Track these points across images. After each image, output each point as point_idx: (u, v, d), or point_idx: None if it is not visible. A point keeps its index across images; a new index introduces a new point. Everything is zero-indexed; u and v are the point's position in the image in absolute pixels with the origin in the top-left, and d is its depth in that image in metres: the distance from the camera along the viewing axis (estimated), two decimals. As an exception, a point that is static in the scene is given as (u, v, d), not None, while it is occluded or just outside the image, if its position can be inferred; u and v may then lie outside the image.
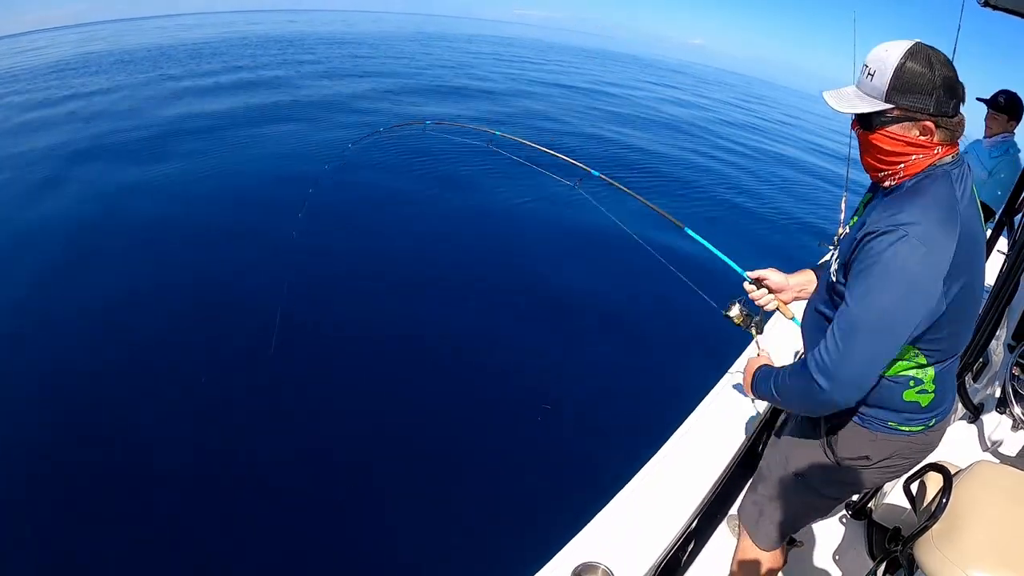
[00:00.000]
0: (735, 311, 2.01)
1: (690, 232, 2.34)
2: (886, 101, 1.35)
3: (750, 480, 2.04)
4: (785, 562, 2.00)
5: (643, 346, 5.64)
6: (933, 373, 1.51)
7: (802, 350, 1.80)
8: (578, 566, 1.82)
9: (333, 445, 4.12)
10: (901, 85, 1.32)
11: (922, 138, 1.36)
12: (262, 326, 4.64)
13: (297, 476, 3.83)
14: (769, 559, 1.95)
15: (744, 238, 8.94)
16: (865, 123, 1.42)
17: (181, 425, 4.20)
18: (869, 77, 1.37)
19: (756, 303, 2.01)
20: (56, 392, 4.55)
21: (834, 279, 1.51)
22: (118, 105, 15.46)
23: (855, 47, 4.36)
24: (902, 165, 1.41)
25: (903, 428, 1.59)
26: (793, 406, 1.59)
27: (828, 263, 1.62)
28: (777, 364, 1.72)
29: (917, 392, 1.53)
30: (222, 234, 7.30)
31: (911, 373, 1.51)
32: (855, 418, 1.63)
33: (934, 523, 1.60)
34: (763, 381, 1.66)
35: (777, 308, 2.01)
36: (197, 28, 49.50)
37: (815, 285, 1.87)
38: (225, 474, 3.83)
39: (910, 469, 1.75)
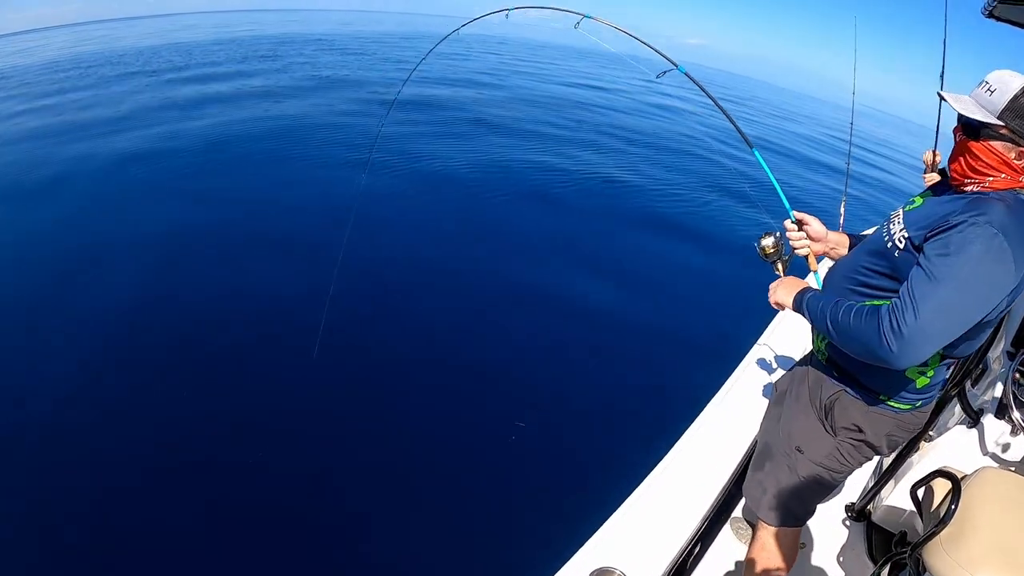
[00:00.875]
0: (769, 241, 2.07)
1: (757, 156, 2.30)
2: (998, 117, 1.46)
3: (753, 461, 2.07)
4: (794, 561, 2.03)
5: (658, 340, 5.72)
6: (938, 361, 1.65)
7: None
8: (594, 571, 1.84)
9: (362, 445, 4.16)
10: (1016, 108, 1.44)
11: (1017, 162, 1.48)
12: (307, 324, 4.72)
13: (328, 476, 3.87)
14: (781, 549, 1.98)
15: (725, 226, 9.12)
16: (971, 131, 1.53)
17: (216, 421, 4.26)
18: (988, 92, 1.48)
19: (792, 242, 2.07)
20: (82, 384, 4.59)
21: (899, 245, 1.58)
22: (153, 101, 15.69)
23: (855, 50, 4.44)
24: (990, 179, 1.51)
25: (893, 404, 1.72)
26: (845, 344, 1.62)
27: (882, 231, 1.69)
28: (791, 328, 1.79)
29: (918, 371, 1.66)
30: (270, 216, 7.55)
31: None
32: (849, 389, 1.77)
33: (943, 528, 1.64)
34: (815, 303, 1.71)
35: (806, 256, 2.07)
36: (225, 27, 49.81)
37: (846, 249, 2.01)
38: (254, 471, 3.86)
39: (896, 447, 1.84)
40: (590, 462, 4.04)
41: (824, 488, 1.92)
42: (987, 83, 1.49)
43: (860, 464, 1.88)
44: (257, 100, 15.10)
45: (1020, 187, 1.50)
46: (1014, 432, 2.37)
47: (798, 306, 1.78)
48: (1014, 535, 1.64)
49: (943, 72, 3.59)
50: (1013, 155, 1.47)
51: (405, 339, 5.38)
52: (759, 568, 2.01)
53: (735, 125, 2.38)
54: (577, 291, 6.48)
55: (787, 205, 2.12)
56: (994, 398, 2.53)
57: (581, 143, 12.98)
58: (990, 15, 2.82)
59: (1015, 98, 1.43)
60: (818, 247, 2.05)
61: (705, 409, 2.70)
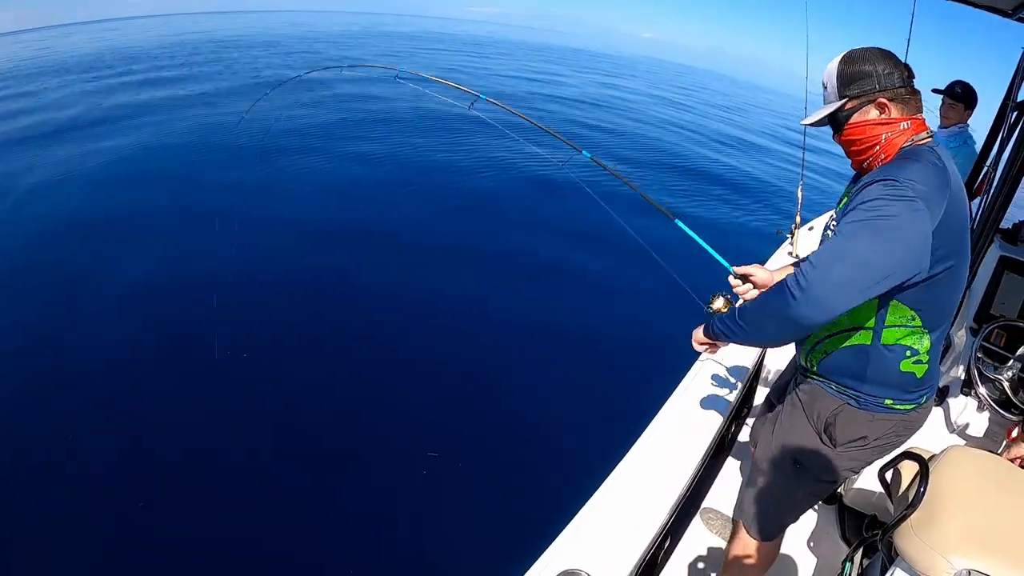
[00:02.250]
0: (719, 303, 2.01)
1: (680, 225, 2.34)
2: (839, 99, 1.54)
3: (744, 476, 2.02)
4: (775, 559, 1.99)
5: (616, 344, 5.66)
6: (929, 343, 1.57)
7: None
8: (559, 574, 1.77)
9: (298, 447, 4.03)
10: (845, 79, 1.52)
11: (881, 116, 1.50)
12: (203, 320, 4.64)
13: (251, 483, 3.71)
14: (765, 552, 1.96)
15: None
16: (835, 128, 1.59)
17: (121, 430, 4.08)
18: (824, 89, 1.59)
19: (741, 296, 2.04)
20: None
21: (830, 236, 1.58)
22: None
23: (807, 35, 4.44)
24: (878, 147, 1.52)
25: (898, 407, 1.65)
26: (757, 327, 1.57)
27: (824, 236, 1.69)
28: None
29: (913, 363, 1.59)
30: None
31: (908, 342, 1.56)
32: (851, 401, 1.68)
33: (913, 512, 1.60)
34: (721, 319, 1.68)
35: None
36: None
37: None
38: (166, 478, 3.70)
39: (897, 447, 1.78)
40: (551, 461, 3.97)
41: (818, 498, 1.90)
42: (823, 84, 1.59)
43: (861, 469, 1.84)
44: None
45: (912, 134, 1.50)
46: (980, 408, 2.38)
47: (708, 332, 1.74)
48: (984, 512, 1.62)
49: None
50: (875, 112, 1.50)
51: (325, 337, 5.29)
52: (743, 569, 1.99)
53: (651, 201, 2.44)
54: (537, 286, 6.47)
55: (724, 263, 2.15)
56: (958, 375, 2.54)
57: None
58: None
59: (839, 74, 1.52)
60: None
61: (668, 401, 2.66)
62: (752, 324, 1.57)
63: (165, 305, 5.64)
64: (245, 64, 24.27)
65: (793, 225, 4.21)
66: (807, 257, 1.43)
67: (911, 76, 1.51)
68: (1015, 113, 2.95)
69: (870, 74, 1.48)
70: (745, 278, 2.03)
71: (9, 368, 4.65)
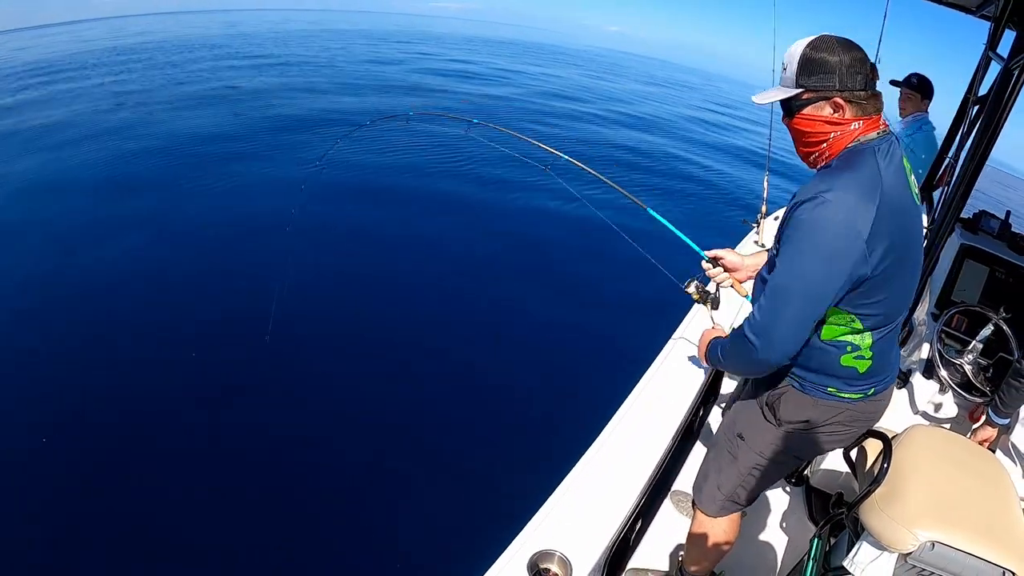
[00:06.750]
0: (693, 288, 2.16)
1: (652, 213, 2.40)
2: (796, 86, 1.47)
3: (705, 450, 2.05)
4: (737, 535, 2.01)
5: (589, 329, 5.73)
6: (871, 340, 1.56)
7: None
8: (534, 554, 1.77)
9: (315, 433, 4.14)
10: (807, 69, 1.45)
11: (835, 115, 1.46)
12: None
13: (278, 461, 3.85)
14: (721, 531, 1.96)
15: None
16: (786, 112, 1.55)
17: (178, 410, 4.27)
18: (784, 70, 1.51)
19: (713, 280, 2.11)
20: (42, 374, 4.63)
21: (774, 251, 1.58)
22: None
23: (775, 29, 4.49)
24: (824, 144, 1.50)
25: (843, 395, 1.65)
26: (736, 367, 1.70)
27: None
28: (723, 299, 1.81)
29: (854, 358, 1.59)
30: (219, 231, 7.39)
31: (848, 339, 1.56)
32: (795, 384, 1.70)
33: (877, 487, 1.64)
34: (714, 349, 1.77)
35: (732, 286, 2.10)
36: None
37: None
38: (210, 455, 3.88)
39: (852, 438, 1.80)
40: (524, 444, 4.00)
41: (765, 477, 1.88)
42: (782, 63, 1.52)
43: (811, 457, 1.87)
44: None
45: (860, 135, 1.47)
46: (942, 390, 2.45)
47: (708, 361, 1.83)
48: (945, 486, 1.67)
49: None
50: (829, 110, 1.46)
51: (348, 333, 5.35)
52: (701, 547, 2.00)
53: (623, 192, 2.50)
54: (515, 285, 6.51)
55: (696, 248, 2.19)
56: (921, 359, 2.60)
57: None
58: None
59: (801, 61, 1.45)
60: (740, 275, 2.08)
61: (636, 387, 2.67)
62: (729, 364, 1.69)
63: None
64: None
65: (759, 215, 4.26)
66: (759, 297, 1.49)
67: (875, 78, 1.46)
68: (976, 107, 3.03)
69: (833, 69, 1.41)
70: (715, 261, 2.08)
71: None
